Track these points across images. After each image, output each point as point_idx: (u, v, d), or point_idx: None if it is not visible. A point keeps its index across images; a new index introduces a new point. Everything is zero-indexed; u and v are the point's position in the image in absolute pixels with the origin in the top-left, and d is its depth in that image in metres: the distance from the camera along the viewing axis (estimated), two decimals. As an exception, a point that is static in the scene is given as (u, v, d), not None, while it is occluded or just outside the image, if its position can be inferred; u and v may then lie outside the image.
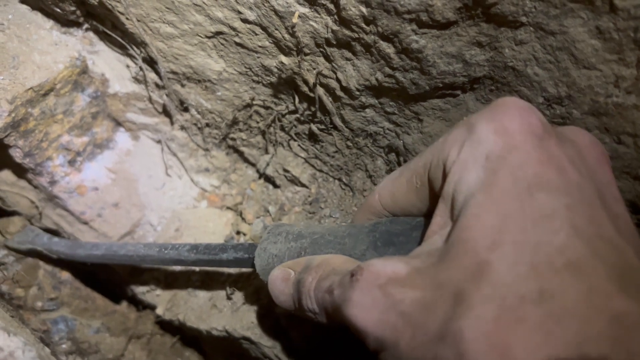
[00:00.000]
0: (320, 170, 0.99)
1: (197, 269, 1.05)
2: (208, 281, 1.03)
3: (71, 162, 1.03)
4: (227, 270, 1.01)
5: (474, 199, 0.41)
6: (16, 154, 0.95)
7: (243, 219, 1.05)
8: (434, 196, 0.51)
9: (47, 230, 1.11)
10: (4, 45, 0.88)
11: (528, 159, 0.41)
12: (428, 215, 0.55)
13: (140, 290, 1.15)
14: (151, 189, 1.11)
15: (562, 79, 0.61)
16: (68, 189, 1.04)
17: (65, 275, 1.16)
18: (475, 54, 0.65)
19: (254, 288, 0.94)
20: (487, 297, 0.36)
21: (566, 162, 0.42)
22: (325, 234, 0.63)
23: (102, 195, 1.07)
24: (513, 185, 0.40)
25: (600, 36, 0.56)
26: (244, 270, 0.99)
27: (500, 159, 0.42)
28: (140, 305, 1.22)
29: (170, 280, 1.10)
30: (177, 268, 1.08)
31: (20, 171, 1.03)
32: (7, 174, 1.04)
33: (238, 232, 1.06)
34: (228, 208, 1.11)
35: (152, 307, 1.16)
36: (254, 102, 0.95)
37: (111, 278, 1.22)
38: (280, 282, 0.61)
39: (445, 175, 0.47)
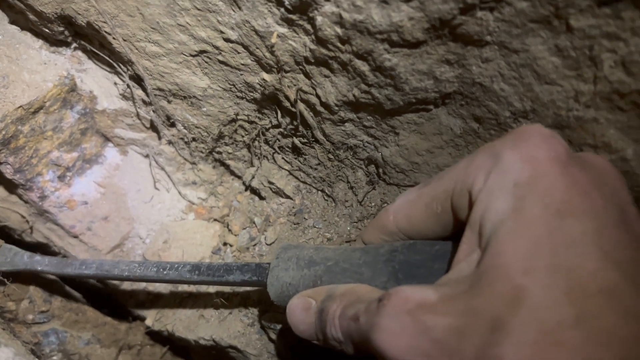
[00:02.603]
0: (304, 182, 1.02)
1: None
2: (196, 294, 1.06)
3: (61, 177, 1.05)
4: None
5: (504, 226, 0.42)
6: (7, 171, 0.98)
7: (230, 230, 1.07)
8: (457, 223, 0.51)
9: (38, 246, 1.14)
10: (-6, 65, 0.91)
11: (555, 186, 0.42)
12: (446, 239, 0.55)
13: (130, 302, 1.17)
14: (140, 202, 1.14)
15: (527, 94, 0.65)
16: (58, 203, 1.06)
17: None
18: (445, 71, 0.68)
19: (240, 298, 0.96)
20: (525, 322, 0.37)
21: (590, 186, 0.43)
22: (339, 261, 0.62)
23: (91, 209, 1.10)
24: (542, 212, 0.41)
25: (559, 54, 0.60)
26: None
27: (528, 187, 0.42)
28: (130, 316, 1.24)
29: (159, 292, 1.13)
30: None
31: (11, 187, 1.05)
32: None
33: (225, 244, 1.08)
34: (215, 220, 1.14)
35: (142, 319, 1.18)
36: (239, 117, 0.98)
37: (101, 289, 1.24)
38: (300, 311, 0.60)
39: (471, 203, 0.47)
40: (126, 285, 1.17)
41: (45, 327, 1.13)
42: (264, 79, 0.87)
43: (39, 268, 0.95)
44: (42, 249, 1.16)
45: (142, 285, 1.15)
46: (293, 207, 1.02)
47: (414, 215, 0.57)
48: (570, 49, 0.59)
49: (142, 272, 0.84)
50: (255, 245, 1.03)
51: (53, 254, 1.17)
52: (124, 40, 0.89)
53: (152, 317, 1.11)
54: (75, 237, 1.11)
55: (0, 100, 0.89)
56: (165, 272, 0.82)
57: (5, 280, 1.02)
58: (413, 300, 0.44)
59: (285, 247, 0.70)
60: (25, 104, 0.91)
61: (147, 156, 1.13)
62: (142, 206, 1.14)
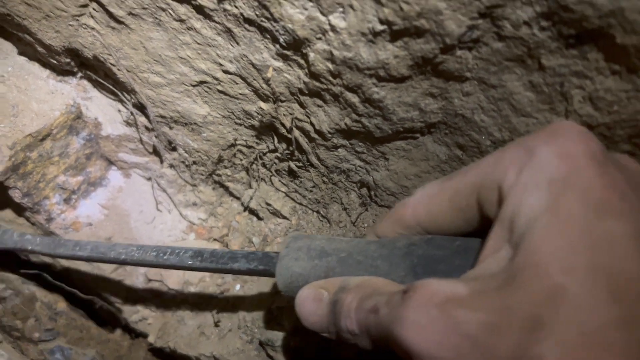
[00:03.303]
0: (300, 204, 1.06)
1: (186, 299, 1.11)
2: (197, 311, 1.10)
3: (67, 200, 1.10)
4: (214, 300, 1.07)
5: (539, 222, 0.40)
6: (15, 195, 1.02)
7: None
8: (483, 218, 0.50)
9: (44, 265, 1.18)
10: (4, 95, 0.96)
11: (593, 184, 0.40)
12: (467, 235, 0.53)
13: (132, 319, 1.21)
14: (142, 223, 1.18)
15: (505, 125, 0.70)
16: (64, 225, 1.11)
17: (62, 306, 1.22)
18: (429, 103, 0.73)
19: (239, 316, 1.00)
20: (566, 321, 0.35)
21: (627, 188, 0.41)
22: (353, 253, 0.59)
23: (96, 230, 1.14)
24: (580, 210, 0.39)
25: (533, 89, 0.64)
26: (229, 296, 1.06)
27: (564, 183, 0.41)
28: (133, 333, 1.27)
29: (161, 310, 1.17)
30: (168, 298, 1.15)
31: (19, 209, 1.09)
32: (6, 212, 1.11)
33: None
34: (215, 240, 1.18)
35: (145, 335, 1.22)
36: (237, 142, 1.03)
37: (105, 307, 1.28)
38: (311, 302, 0.57)
39: (501, 199, 0.45)
40: (130, 302, 1.21)
41: (51, 345, 1.17)
42: (261, 108, 0.91)
43: (30, 247, 0.91)
44: (48, 269, 1.20)
45: (146, 302, 1.19)
46: (290, 228, 1.07)
47: (435, 209, 0.54)
48: (543, 85, 0.63)
49: (140, 255, 0.79)
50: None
51: (58, 274, 1.21)
52: (128, 72, 0.94)
53: (154, 334, 1.15)
54: (80, 257, 1.15)
55: (10, 128, 0.93)
56: (165, 257, 0.77)
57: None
58: (442, 293, 0.42)
59: (296, 236, 0.67)
60: (34, 132, 0.96)
61: (149, 179, 1.17)
62: (145, 227, 1.18)
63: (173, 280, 1.14)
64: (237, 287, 1.07)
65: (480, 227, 0.50)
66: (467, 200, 0.50)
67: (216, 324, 1.03)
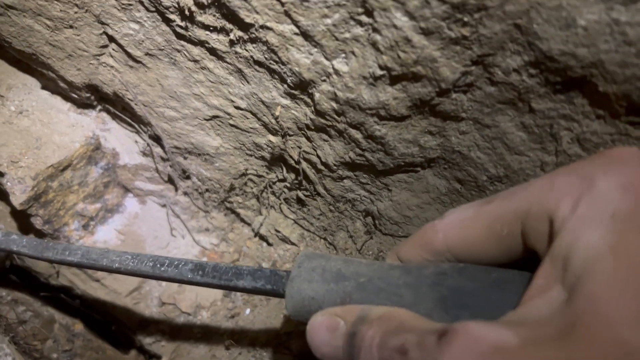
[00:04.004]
0: (308, 230, 1.11)
1: (198, 322, 1.15)
2: (209, 334, 1.13)
3: (85, 226, 1.15)
4: (225, 324, 1.11)
5: (601, 264, 0.36)
6: (37, 222, 1.07)
7: (240, 275, 1.16)
8: (527, 250, 0.45)
9: (62, 288, 1.23)
10: (28, 128, 1.01)
11: None
12: (504, 266, 0.49)
13: (147, 341, 1.25)
14: (157, 248, 1.23)
15: (500, 162, 0.73)
16: (82, 250, 1.15)
17: (79, 328, 1.27)
18: (428, 140, 0.77)
19: (249, 339, 1.04)
20: None
21: None
22: (374, 278, 0.54)
23: (112, 255, 1.19)
24: None
25: (525, 130, 0.68)
26: (240, 320, 1.10)
27: (629, 220, 0.37)
28: (147, 355, 1.31)
29: (174, 332, 1.21)
30: (181, 321, 1.19)
31: (39, 235, 1.14)
32: (28, 238, 1.16)
33: (235, 287, 1.17)
34: (226, 264, 1.22)
35: (158, 357, 1.26)
36: (248, 172, 1.08)
37: (121, 329, 1.32)
38: (324, 331, 0.52)
39: (552, 231, 0.41)
40: (144, 325, 1.26)
41: (68, 366, 1.21)
42: (270, 141, 0.96)
43: (15, 248, 0.85)
44: (66, 291, 1.25)
45: (160, 325, 1.23)
46: (298, 254, 1.10)
47: (470, 235, 0.49)
48: (534, 126, 0.67)
49: (135, 265, 0.73)
50: (263, 289, 1.11)
51: (76, 296, 1.25)
52: (145, 106, 0.99)
53: (167, 356, 1.19)
54: (97, 280, 1.20)
55: (33, 160, 0.99)
56: (162, 269, 0.71)
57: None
58: (487, 341, 0.37)
59: (309, 255, 0.61)
60: (55, 163, 1.01)
61: (164, 206, 1.22)
62: (159, 252, 1.22)
63: (186, 304, 1.18)
64: (247, 311, 1.11)
65: (520, 259, 0.46)
66: (509, 229, 0.45)
67: (227, 348, 1.07)
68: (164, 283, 1.23)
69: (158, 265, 0.72)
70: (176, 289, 1.21)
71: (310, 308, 0.57)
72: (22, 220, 1.09)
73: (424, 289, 0.50)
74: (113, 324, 1.30)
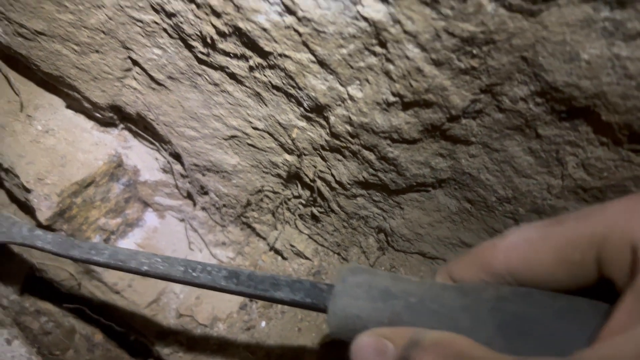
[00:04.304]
0: (322, 245, 1.14)
1: (215, 334, 1.19)
2: (225, 346, 1.17)
3: (106, 240, 1.19)
4: (241, 336, 1.14)
5: None
6: (61, 236, 1.11)
7: (255, 288, 1.19)
8: (602, 279, 0.41)
9: (84, 298, 1.26)
10: (54, 147, 1.06)
11: None
12: (572, 292, 0.45)
13: (165, 352, 1.28)
14: (175, 261, 1.26)
15: (508, 184, 0.76)
16: (103, 263, 1.20)
17: (99, 338, 1.31)
18: (439, 162, 0.80)
19: (264, 352, 1.07)
20: None
21: None
22: (426, 299, 0.50)
23: (132, 268, 1.22)
24: None
25: (532, 154, 0.71)
26: (256, 335, 1.13)
27: None
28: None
29: (191, 344, 1.24)
30: (198, 332, 1.22)
31: (62, 249, 1.19)
32: (51, 252, 1.20)
33: (251, 300, 1.20)
34: (242, 277, 1.26)
35: (175, 368, 1.30)
36: (264, 188, 1.11)
37: (140, 339, 1.36)
38: (371, 354, 0.48)
39: (636, 262, 0.38)
40: (162, 336, 1.29)
41: (88, 375, 1.25)
42: (286, 159, 1.00)
43: (39, 244, 0.83)
44: (88, 302, 1.29)
45: (178, 336, 1.26)
46: (312, 268, 1.14)
47: (535, 258, 0.45)
48: (541, 151, 0.70)
49: (165, 269, 0.71)
50: (278, 302, 1.14)
51: (96, 307, 1.29)
52: (166, 126, 1.03)
53: (184, 367, 1.22)
54: (117, 292, 1.23)
55: (59, 177, 1.03)
56: (195, 274, 0.69)
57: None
58: None
59: (354, 269, 0.57)
60: (80, 180, 1.05)
61: (182, 220, 1.26)
62: (177, 265, 1.26)
63: (203, 315, 1.21)
64: (263, 324, 1.15)
65: (591, 286, 0.43)
66: (582, 255, 0.41)
67: None
68: (181, 295, 1.27)
69: (190, 270, 0.69)
70: (194, 301, 1.24)
71: (354, 327, 0.53)
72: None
73: (483, 314, 0.46)
74: (132, 334, 1.33)
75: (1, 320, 1.12)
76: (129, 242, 1.23)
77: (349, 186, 0.95)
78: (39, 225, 1.11)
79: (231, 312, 1.21)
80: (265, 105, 0.89)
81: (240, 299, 1.23)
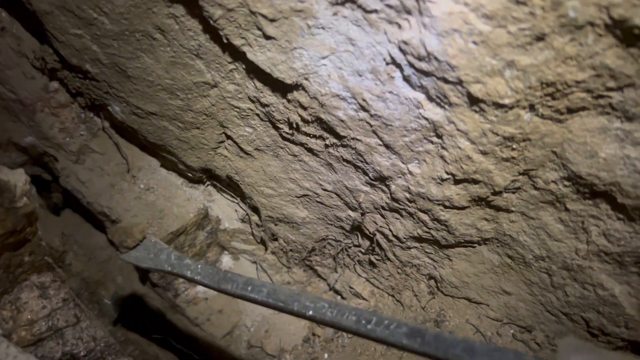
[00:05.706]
0: (378, 288, 1.30)
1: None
2: (293, 374, 1.33)
3: (190, 280, 1.38)
4: None
5: None
6: (154, 277, 1.31)
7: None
8: None
9: (166, 330, 1.45)
10: (154, 202, 1.26)
11: None
12: None
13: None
14: (247, 298, 1.44)
15: (542, 245, 0.92)
16: (187, 300, 1.38)
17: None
18: (484, 224, 0.96)
19: (329, 381, 1.23)
20: None
21: None
22: None
23: (210, 304, 1.41)
24: None
25: (562, 223, 0.87)
26: (321, 366, 1.29)
27: None
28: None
29: (261, 372, 1.41)
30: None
31: (153, 285, 1.38)
32: (144, 288, 1.39)
33: (314, 334, 1.37)
34: (306, 314, 1.43)
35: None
36: (328, 237, 1.28)
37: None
38: None
39: None
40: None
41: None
42: (349, 215, 1.17)
43: (188, 275, 0.81)
44: (171, 333, 1.47)
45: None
46: (368, 307, 1.30)
47: None
48: (569, 221, 0.86)
49: (334, 316, 0.66)
50: (338, 337, 1.30)
51: (179, 338, 1.48)
52: (248, 185, 1.22)
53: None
54: (197, 325, 1.42)
55: (157, 228, 1.23)
56: (369, 327, 0.64)
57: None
58: None
59: (577, 347, 0.57)
60: (174, 231, 1.25)
61: (254, 262, 1.44)
62: (248, 303, 1.44)
63: (271, 347, 1.38)
64: (325, 356, 1.31)
65: None
66: None
67: (309, 387, 1.26)
68: (252, 328, 1.44)
69: (363, 322, 0.65)
70: (263, 334, 1.41)
71: None
72: (143, 274, 1.32)
73: None
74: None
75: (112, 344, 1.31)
76: (207, 281, 1.42)
77: (404, 240, 1.12)
78: (137, 267, 1.30)
79: (296, 344, 1.38)
80: (335, 172, 1.07)
81: (303, 333, 1.40)
